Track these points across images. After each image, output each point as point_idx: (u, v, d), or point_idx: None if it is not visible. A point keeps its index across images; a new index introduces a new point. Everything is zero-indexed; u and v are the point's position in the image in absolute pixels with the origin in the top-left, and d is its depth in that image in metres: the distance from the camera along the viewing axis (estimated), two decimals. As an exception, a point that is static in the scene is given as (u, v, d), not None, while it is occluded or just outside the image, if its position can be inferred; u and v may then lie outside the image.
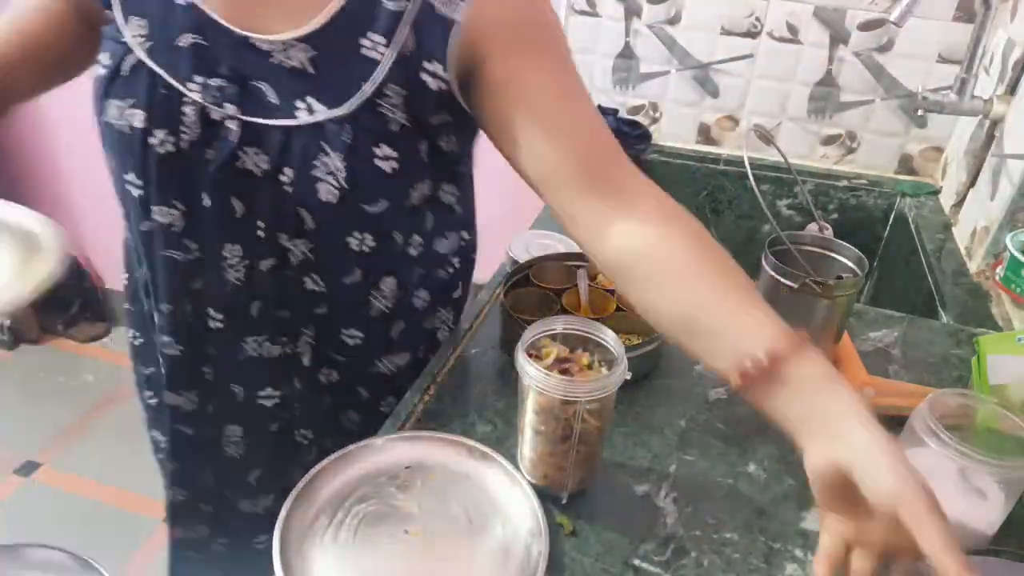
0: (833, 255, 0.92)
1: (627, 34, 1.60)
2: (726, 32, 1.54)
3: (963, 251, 1.30)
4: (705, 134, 1.67)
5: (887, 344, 1.00)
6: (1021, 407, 0.77)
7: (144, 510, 1.89)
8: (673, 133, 1.69)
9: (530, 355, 0.69)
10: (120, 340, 2.49)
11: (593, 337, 0.72)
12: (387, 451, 0.76)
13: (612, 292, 0.97)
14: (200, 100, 0.67)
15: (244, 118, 0.68)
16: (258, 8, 0.68)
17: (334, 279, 0.77)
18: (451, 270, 0.88)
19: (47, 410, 2.21)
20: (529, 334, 0.71)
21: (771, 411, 0.58)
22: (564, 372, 0.70)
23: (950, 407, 0.72)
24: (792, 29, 1.51)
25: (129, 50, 0.68)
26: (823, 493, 0.54)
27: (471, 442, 0.76)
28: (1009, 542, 0.71)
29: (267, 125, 0.67)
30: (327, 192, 0.68)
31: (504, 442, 0.80)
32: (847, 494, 0.53)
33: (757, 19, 1.52)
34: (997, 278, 1.14)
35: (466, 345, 0.95)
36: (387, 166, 0.69)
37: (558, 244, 1.13)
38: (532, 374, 0.67)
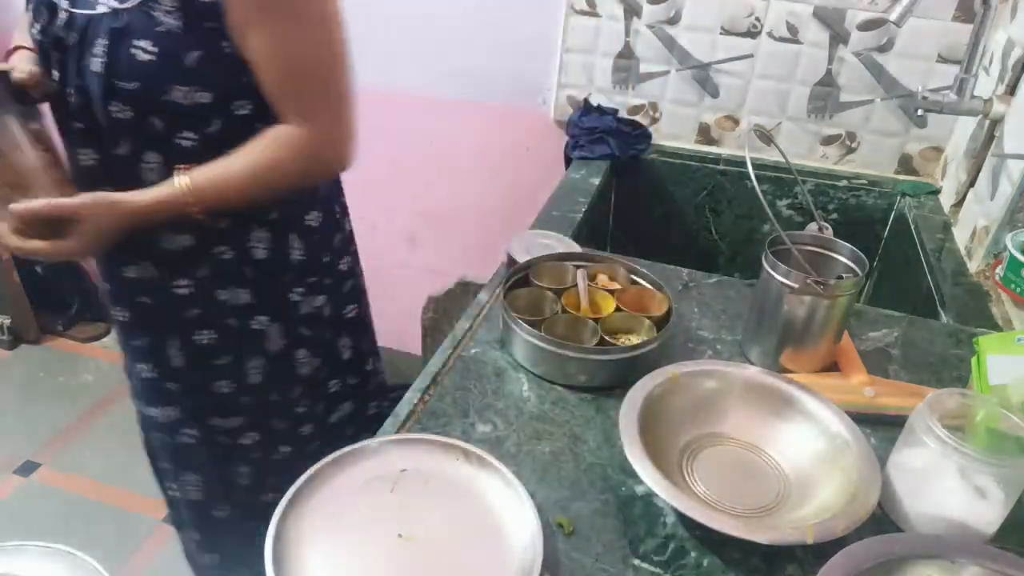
0: (833, 255, 0.92)
1: (627, 34, 1.60)
2: (726, 32, 1.54)
3: (963, 251, 1.30)
4: (705, 134, 1.67)
5: (887, 344, 1.00)
6: (1021, 407, 0.77)
7: (144, 510, 1.89)
8: (673, 133, 1.69)
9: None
10: (120, 340, 2.47)
11: None
12: (382, 454, 0.76)
13: (612, 292, 0.97)
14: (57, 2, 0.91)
15: (73, 10, 0.89)
16: None
17: (106, 149, 0.96)
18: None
19: (47, 410, 2.21)
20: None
21: None
22: None
23: (950, 407, 0.72)
24: (792, 29, 1.51)
25: None
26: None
27: (467, 445, 0.76)
28: (1009, 541, 0.71)
29: (80, 14, 0.89)
30: (98, 65, 0.89)
31: (504, 442, 0.80)
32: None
33: (757, 19, 1.52)
34: (997, 278, 1.14)
35: (466, 345, 0.95)
36: (145, 56, 0.87)
37: (558, 244, 1.13)
38: None
